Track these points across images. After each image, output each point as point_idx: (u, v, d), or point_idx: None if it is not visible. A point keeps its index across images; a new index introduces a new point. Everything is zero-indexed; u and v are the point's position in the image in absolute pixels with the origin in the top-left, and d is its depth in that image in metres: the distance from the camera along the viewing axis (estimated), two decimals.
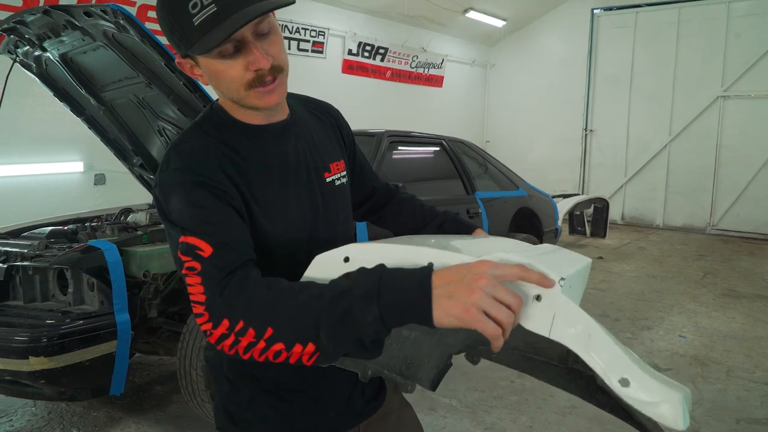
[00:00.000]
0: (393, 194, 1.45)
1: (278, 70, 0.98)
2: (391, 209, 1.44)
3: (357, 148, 1.36)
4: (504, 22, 10.33)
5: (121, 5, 2.50)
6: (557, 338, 0.75)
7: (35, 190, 5.17)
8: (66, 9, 2.57)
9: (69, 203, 5.19)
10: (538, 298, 0.77)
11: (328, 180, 1.16)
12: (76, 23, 2.65)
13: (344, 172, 1.22)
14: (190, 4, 0.89)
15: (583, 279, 0.98)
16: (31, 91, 4.64)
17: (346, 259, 0.90)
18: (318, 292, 0.84)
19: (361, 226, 3.33)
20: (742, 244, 8.31)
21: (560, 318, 0.75)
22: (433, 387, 1.02)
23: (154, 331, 2.98)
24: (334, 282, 0.85)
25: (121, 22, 2.51)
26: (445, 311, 0.76)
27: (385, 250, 0.89)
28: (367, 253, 0.89)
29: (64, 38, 2.83)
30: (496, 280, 0.76)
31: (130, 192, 4.41)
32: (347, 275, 0.86)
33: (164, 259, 2.53)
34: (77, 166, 5.49)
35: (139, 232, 2.63)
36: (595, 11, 10.11)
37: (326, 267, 0.91)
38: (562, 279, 0.76)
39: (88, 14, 2.52)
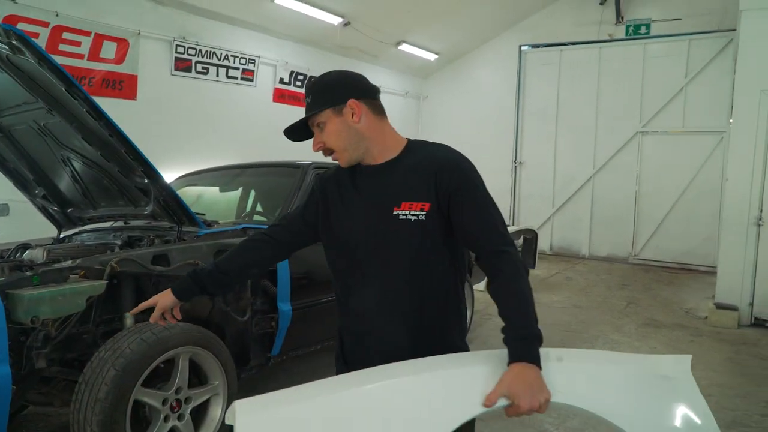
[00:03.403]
0: (492, 272, 1.45)
1: (331, 151, 1.55)
2: (493, 285, 1.45)
3: (466, 204, 1.45)
4: (436, 56, 10.52)
5: (14, 26, 2.31)
6: None
7: None
8: None
9: None
10: None
11: (394, 213, 1.46)
12: None
13: (418, 212, 1.45)
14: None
15: None
16: None
17: None
18: None
19: (283, 264, 3.18)
20: (662, 273, 8.65)
21: None
22: None
23: (48, 381, 2.70)
24: None
25: (15, 43, 2.31)
26: None
27: None
28: None
29: None
30: None
31: (36, 224, 4.06)
32: None
33: (57, 303, 2.28)
34: None
35: (29, 273, 2.37)
36: (522, 48, 10.47)
37: None
38: None
39: None
